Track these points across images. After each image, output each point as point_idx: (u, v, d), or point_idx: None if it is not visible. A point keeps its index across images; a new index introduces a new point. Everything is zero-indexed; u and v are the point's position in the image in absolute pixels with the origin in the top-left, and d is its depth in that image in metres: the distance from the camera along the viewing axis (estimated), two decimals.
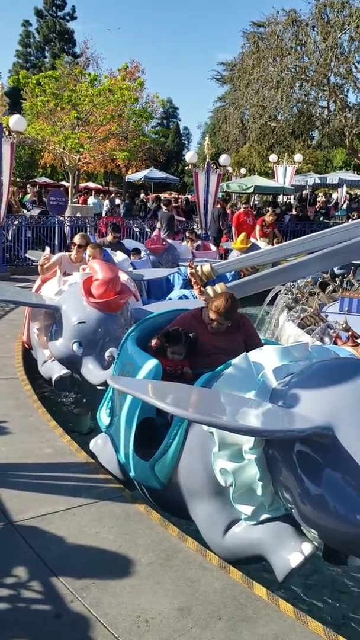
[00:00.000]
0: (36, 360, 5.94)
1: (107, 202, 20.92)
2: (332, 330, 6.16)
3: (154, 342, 3.70)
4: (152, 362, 3.44)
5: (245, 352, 3.06)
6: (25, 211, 15.49)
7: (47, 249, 6.76)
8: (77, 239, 6.42)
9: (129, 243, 10.78)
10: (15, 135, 11.83)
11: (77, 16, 50.48)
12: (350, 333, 5.51)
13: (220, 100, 33.63)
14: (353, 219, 16.16)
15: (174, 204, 17.65)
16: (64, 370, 5.14)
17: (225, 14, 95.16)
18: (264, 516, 2.84)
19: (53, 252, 10.44)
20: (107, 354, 4.75)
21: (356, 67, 23.79)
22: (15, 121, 11.78)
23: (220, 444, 2.82)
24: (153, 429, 3.47)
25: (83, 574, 2.67)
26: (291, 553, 2.69)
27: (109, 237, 9.13)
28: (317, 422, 2.44)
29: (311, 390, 2.64)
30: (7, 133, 11.65)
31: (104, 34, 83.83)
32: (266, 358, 3.01)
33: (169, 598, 2.58)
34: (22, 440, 4.12)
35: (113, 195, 24.04)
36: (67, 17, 50.15)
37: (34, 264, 8.48)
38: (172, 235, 13.06)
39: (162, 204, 15.01)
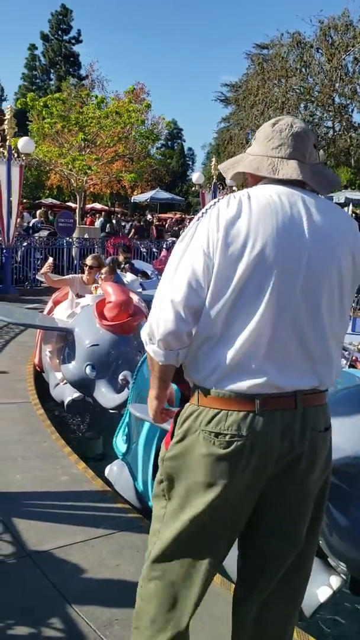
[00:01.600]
0: (48, 383, 5.89)
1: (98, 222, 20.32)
2: (346, 352, 6.09)
3: None
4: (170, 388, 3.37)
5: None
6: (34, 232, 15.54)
7: (50, 258, 6.73)
8: (89, 260, 6.40)
9: (138, 264, 10.79)
10: (23, 157, 11.92)
11: (82, 39, 51.22)
12: None
13: (225, 121, 33.86)
14: None
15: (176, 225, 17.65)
16: (76, 394, 5.09)
17: (226, 36, 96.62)
18: None
19: (62, 273, 10.46)
20: (120, 377, 4.69)
21: None
22: (24, 143, 11.89)
23: None
24: None
25: (105, 610, 2.58)
26: (319, 587, 2.60)
27: (120, 258, 9.15)
28: (346, 452, 2.37)
29: (339, 418, 2.56)
30: (15, 155, 11.73)
31: (109, 57, 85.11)
32: None
33: (195, 636, 2.47)
34: (37, 468, 4.05)
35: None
36: (73, 41, 50.89)
37: (42, 285, 8.47)
38: None
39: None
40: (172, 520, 1.77)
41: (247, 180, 1.86)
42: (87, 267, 6.29)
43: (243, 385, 1.63)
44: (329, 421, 1.78)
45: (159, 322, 1.64)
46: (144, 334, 1.73)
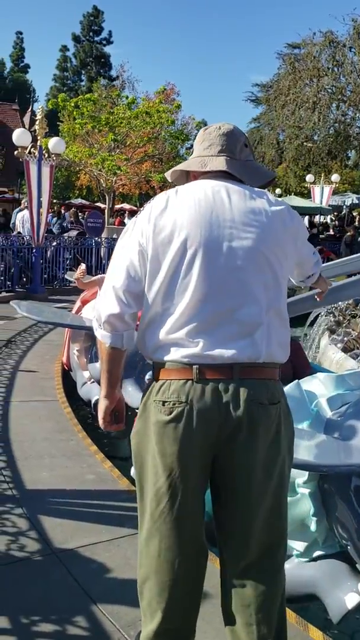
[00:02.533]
0: (75, 382, 5.91)
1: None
2: None
3: None
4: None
5: (296, 380, 2.96)
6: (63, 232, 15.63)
7: (83, 265, 6.76)
8: None
9: None
10: (54, 157, 12.02)
11: (113, 40, 51.62)
12: None
13: (255, 121, 33.73)
14: None
15: None
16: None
17: (257, 36, 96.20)
18: (317, 553, 2.72)
19: (90, 273, 10.52)
20: (147, 376, 4.67)
21: None
22: (54, 143, 11.99)
23: None
24: None
25: (129, 610, 2.57)
26: (347, 593, 2.55)
27: None
28: None
29: None
30: (46, 155, 11.84)
31: (139, 57, 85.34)
32: (319, 387, 2.90)
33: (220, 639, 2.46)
34: (64, 466, 4.06)
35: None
36: (104, 42, 51.36)
37: (71, 284, 8.52)
38: None
39: None
40: (141, 493, 1.91)
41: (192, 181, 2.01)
42: None
43: (181, 357, 1.78)
44: (278, 396, 1.84)
45: (103, 307, 1.85)
46: (93, 320, 1.91)
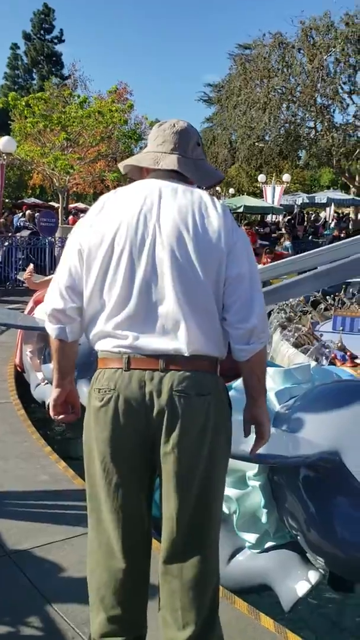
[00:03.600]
0: (29, 383, 5.85)
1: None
2: (327, 350, 6.14)
3: None
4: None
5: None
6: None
7: (31, 264, 6.72)
8: None
9: None
10: (5, 157, 11.85)
11: (64, 39, 51.03)
12: (348, 353, 5.50)
13: (208, 121, 33.96)
14: (341, 239, 16.27)
15: None
16: None
17: (210, 36, 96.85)
18: (269, 544, 2.78)
19: (44, 273, 10.40)
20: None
21: (342, 89, 24.17)
22: (5, 143, 11.85)
23: None
24: None
25: (84, 608, 2.55)
26: (297, 582, 2.63)
27: None
28: (323, 447, 2.40)
29: (316, 414, 2.60)
30: None
31: (92, 56, 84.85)
32: (268, 381, 2.95)
33: None
34: (18, 467, 4.03)
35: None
36: (55, 40, 50.67)
37: (24, 285, 8.42)
38: None
39: None
40: (87, 478, 1.99)
41: (145, 176, 2.08)
42: None
43: (113, 347, 1.90)
44: (208, 388, 1.89)
45: (49, 301, 1.96)
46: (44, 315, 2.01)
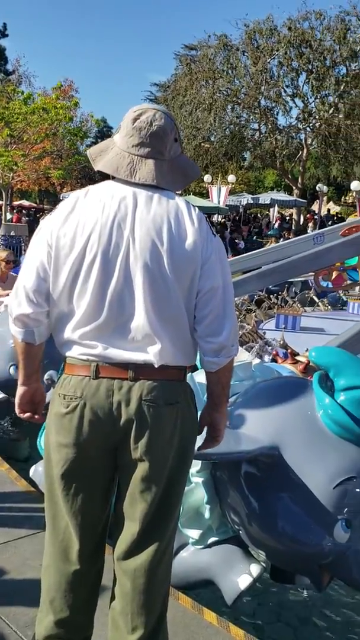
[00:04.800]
0: None
1: None
2: (270, 347, 6.24)
3: None
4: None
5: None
6: None
7: None
8: (3, 253, 6.41)
9: None
10: None
11: (8, 33, 49.93)
12: (289, 351, 5.60)
13: None
14: (285, 239, 16.61)
15: None
16: (0, 395, 4.97)
17: (156, 36, 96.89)
18: (212, 539, 2.81)
19: None
20: (45, 377, 4.61)
21: (285, 91, 24.66)
22: None
23: None
24: None
25: (28, 610, 2.55)
26: (240, 575, 2.67)
27: None
28: (263, 443, 2.45)
29: (256, 411, 2.65)
30: None
31: (37, 53, 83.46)
32: None
33: None
34: None
35: None
36: None
37: None
38: None
39: None
40: (45, 480, 1.97)
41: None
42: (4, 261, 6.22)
43: (81, 354, 1.86)
44: (177, 397, 1.89)
45: (14, 305, 1.89)
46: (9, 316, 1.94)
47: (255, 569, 2.67)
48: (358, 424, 2.40)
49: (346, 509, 2.37)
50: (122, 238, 1.81)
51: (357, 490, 2.39)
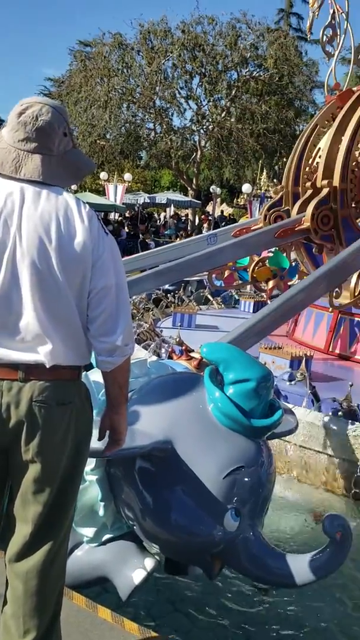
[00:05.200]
0: None
1: None
2: (167, 345, 6.34)
3: None
4: None
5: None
6: None
7: None
8: None
9: None
10: None
11: None
12: (184, 347, 5.71)
13: None
14: (181, 239, 16.89)
15: None
16: None
17: (48, 29, 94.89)
18: (107, 536, 2.81)
19: None
20: None
21: (179, 93, 25.04)
22: None
23: None
24: None
25: None
26: (134, 570, 2.69)
27: None
28: (157, 437, 2.48)
29: (150, 406, 2.68)
30: None
31: None
32: None
33: None
34: None
35: None
36: None
37: None
38: None
39: None
40: None
41: None
42: None
43: None
44: (68, 397, 1.87)
45: None
46: None
47: (149, 563, 2.70)
48: (246, 415, 2.50)
49: (235, 498, 2.46)
50: (8, 235, 1.76)
51: (246, 479, 2.49)
